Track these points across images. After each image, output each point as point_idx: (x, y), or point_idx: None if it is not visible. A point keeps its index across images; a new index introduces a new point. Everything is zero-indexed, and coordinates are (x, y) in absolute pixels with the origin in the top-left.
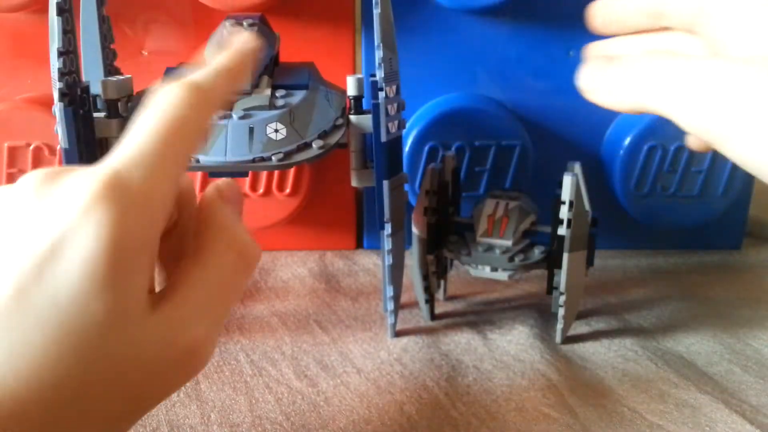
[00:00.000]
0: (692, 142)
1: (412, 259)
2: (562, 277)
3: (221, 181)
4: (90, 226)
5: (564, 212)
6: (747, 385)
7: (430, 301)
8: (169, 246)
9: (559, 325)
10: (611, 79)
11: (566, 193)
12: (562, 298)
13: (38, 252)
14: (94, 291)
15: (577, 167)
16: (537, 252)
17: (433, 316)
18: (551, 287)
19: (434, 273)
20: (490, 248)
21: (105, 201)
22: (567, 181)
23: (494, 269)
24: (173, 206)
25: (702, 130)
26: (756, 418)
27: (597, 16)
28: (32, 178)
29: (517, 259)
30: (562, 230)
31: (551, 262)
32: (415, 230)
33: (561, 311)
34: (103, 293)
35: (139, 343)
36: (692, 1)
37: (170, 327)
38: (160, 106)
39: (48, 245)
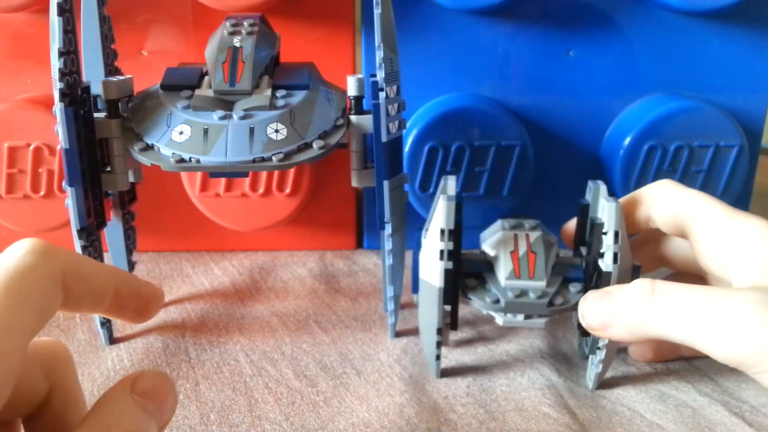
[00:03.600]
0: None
1: (423, 314)
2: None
3: (148, 373)
4: None
5: (609, 244)
6: (747, 386)
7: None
8: (42, 427)
9: (595, 371)
10: (618, 313)
11: (610, 223)
12: (601, 354)
13: None
14: None
15: (603, 188)
16: (573, 291)
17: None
18: (585, 330)
19: (447, 325)
20: (522, 294)
21: None
22: (610, 207)
23: (528, 317)
24: (39, 380)
25: (724, 359)
26: (756, 419)
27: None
28: None
29: (556, 303)
30: (605, 265)
31: None
32: (426, 279)
33: (598, 360)
34: None
35: None
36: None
37: None
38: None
39: None
